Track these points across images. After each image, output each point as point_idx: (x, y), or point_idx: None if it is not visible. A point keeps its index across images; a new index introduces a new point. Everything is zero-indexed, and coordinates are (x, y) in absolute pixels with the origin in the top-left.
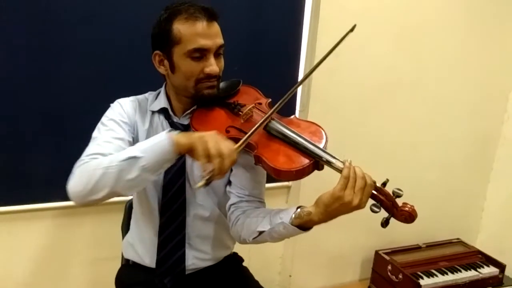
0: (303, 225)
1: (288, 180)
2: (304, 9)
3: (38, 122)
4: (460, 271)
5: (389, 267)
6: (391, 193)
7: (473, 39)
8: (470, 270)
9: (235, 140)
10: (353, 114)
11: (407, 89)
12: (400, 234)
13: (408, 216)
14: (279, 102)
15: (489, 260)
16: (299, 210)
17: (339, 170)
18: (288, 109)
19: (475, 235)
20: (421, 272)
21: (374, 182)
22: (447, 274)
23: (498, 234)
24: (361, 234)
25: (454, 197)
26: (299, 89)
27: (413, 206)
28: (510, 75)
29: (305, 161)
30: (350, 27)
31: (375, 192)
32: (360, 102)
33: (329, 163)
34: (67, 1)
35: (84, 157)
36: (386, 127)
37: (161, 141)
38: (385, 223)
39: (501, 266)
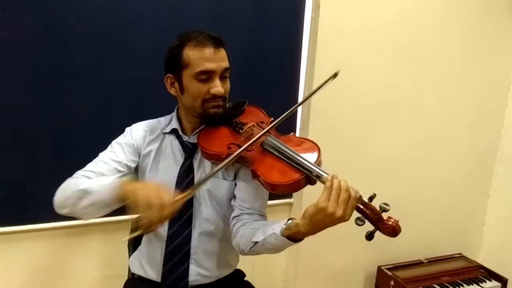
0: (292, 236)
1: (283, 193)
2: (303, 30)
3: (48, 143)
4: (463, 286)
5: (392, 283)
6: (377, 207)
7: (469, 58)
8: (472, 284)
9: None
10: (353, 131)
11: (406, 107)
12: (402, 249)
13: (392, 230)
14: (254, 138)
15: (491, 275)
16: (289, 221)
17: None
18: (289, 127)
19: (477, 249)
20: (424, 287)
21: (360, 196)
22: None
23: (500, 249)
24: (364, 250)
25: (455, 212)
26: (299, 108)
27: (398, 221)
28: (505, 92)
29: (297, 175)
30: (333, 72)
31: (360, 206)
32: (360, 120)
33: (319, 178)
34: (80, 20)
35: (80, 171)
36: (386, 144)
37: (111, 184)
38: (369, 236)
39: (503, 280)
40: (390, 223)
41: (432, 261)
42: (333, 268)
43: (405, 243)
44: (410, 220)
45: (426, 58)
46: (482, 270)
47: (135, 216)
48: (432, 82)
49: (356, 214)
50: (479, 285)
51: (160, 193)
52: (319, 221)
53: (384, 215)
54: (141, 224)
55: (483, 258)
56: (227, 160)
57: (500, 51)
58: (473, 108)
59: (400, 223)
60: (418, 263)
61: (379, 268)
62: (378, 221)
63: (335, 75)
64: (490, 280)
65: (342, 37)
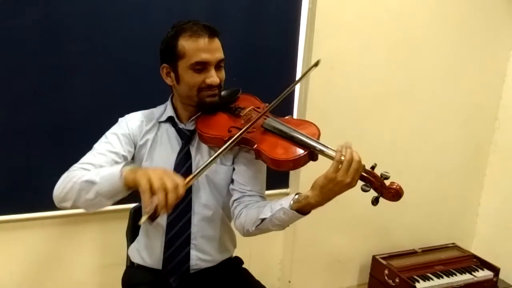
0: (302, 209)
1: (287, 171)
2: (300, 21)
3: (47, 134)
4: (456, 275)
5: (386, 272)
6: (379, 175)
7: (464, 50)
8: (465, 273)
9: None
10: (348, 123)
11: (401, 99)
12: (397, 239)
13: (395, 193)
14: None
15: (484, 264)
16: (297, 195)
17: (332, 157)
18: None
19: (470, 239)
20: (417, 276)
21: (364, 166)
22: (442, 277)
23: (492, 239)
24: (359, 239)
25: (449, 203)
26: (296, 100)
27: (400, 185)
28: (499, 84)
29: (300, 151)
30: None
31: (365, 174)
32: (355, 112)
33: (322, 152)
34: (76, 14)
35: (77, 164)
36: (381, 136)
37: (114, 173)
38: (375, 201)
39: (495, 270)
40: (393, 186)
41: (426, 251)
42: (328, 257)
43: (399, 233)
44: (405, 211)
45: (422, 50)
46: (475, 260)
47: (132, 205)
48: (427, 74)
49: (361, 183)
50: (471, 274)
51: (171, 175)
52: (329, 190)
53: (386, 182)
54: (156, 207)
55: (476, 248)
56: (231, 141)
57: (494, 44)
58: (467, 100)
59: (402, 187)
60: (412, 253)
61: (373, 257)
62: (382, 187)
63: (316, 64)
64: (483, 269)
65: (339, 28)
